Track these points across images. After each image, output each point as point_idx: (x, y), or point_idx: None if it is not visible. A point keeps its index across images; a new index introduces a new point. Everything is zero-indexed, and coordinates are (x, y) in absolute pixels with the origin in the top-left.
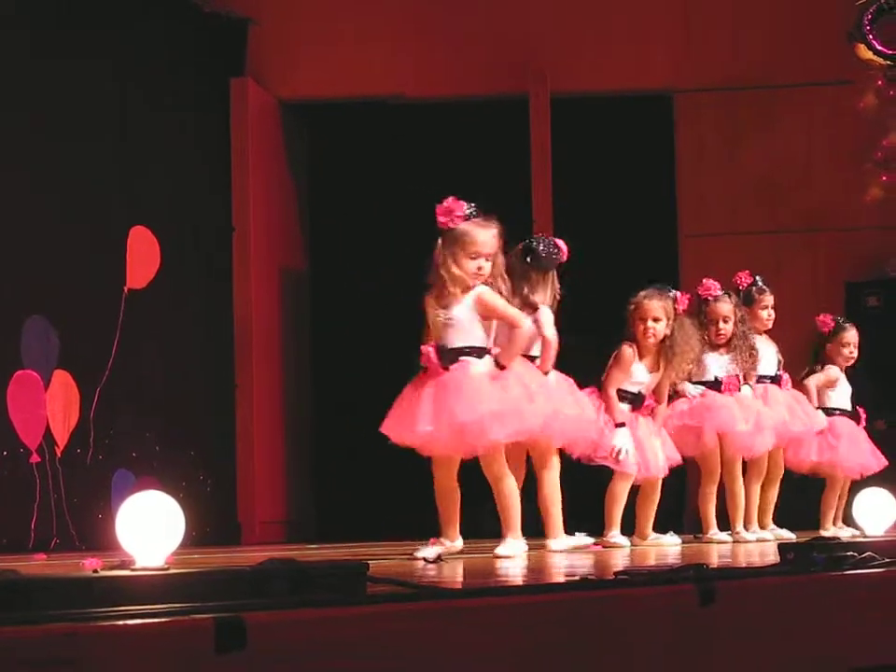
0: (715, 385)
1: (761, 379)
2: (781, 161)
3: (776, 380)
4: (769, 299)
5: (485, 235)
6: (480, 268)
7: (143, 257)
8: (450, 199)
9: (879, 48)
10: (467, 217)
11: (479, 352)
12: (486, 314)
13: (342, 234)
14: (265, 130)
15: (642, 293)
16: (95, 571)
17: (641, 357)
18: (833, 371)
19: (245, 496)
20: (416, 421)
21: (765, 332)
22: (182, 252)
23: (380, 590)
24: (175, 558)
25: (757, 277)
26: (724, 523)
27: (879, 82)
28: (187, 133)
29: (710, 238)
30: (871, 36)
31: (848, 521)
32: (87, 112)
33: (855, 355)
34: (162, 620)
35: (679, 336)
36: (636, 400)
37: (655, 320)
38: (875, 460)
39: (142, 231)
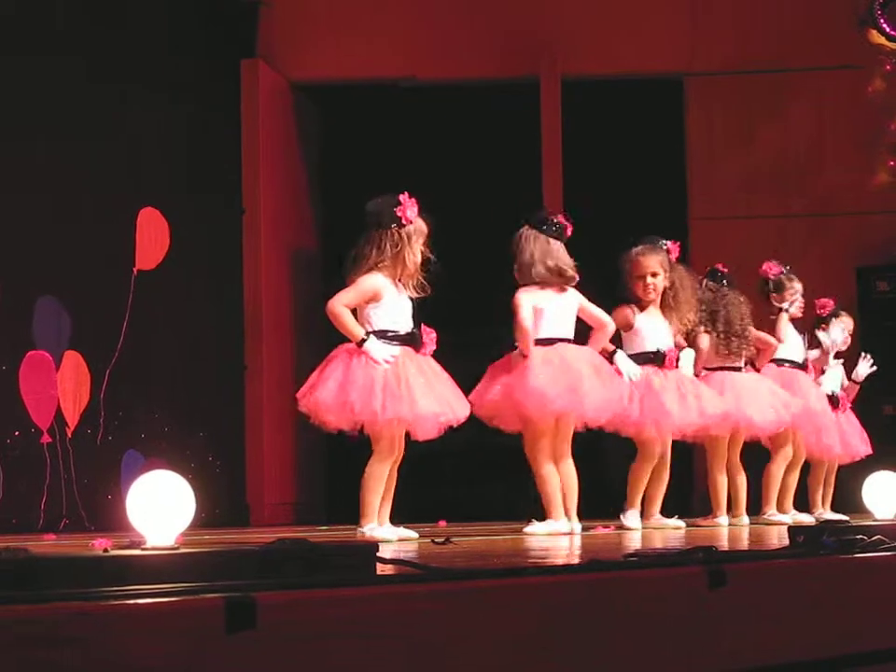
0: (656, 358)
1: (779, 363)
2: (792, 144)
3: (802, 366)
4: (798, 285)
5: None
6: None
7: (153, 238)
8: None
9: (890, 32)
10: None
11: None
12: None
13: (352, 216)
14: (276, 111)
15: (635, 250)
16: (106, 551)
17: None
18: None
19: (255, 477)
20: None
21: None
22: (192, 233)
23: (390, 570)
24: (185, 538)
25: (785, 266)
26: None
27: (888, 67)
28: (197, 114)
29: (721, 221)
30: (882, 21)
31: (838, 505)
32: (97, 93)
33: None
34: (173, 599)
35: (679, 286)
36: (657, 359)
37: (654, 275)
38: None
39: (152, 212)
